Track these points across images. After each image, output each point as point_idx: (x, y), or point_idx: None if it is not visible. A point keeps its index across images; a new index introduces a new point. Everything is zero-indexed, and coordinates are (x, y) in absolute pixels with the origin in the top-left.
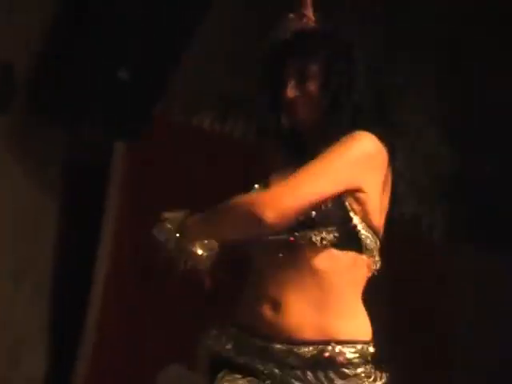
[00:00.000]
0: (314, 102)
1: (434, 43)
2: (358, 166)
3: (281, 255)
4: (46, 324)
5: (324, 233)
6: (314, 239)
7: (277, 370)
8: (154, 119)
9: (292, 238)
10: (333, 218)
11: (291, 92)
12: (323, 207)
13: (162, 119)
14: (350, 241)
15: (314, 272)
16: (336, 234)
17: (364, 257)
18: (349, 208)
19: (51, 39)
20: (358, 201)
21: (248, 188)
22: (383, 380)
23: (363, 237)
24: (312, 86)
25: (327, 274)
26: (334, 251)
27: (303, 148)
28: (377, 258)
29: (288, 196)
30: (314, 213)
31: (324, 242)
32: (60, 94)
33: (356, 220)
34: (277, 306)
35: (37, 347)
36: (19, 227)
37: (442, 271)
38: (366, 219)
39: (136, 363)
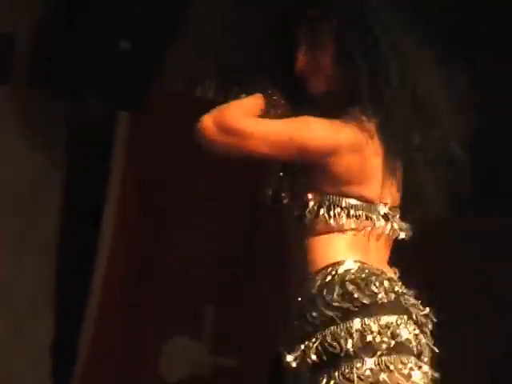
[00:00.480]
0: (326, 74)
1: (436, 33)
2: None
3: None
4: (51, 297)
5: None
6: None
7: None
8: (155, 89)
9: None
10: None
11: (301, 61)
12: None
13: (163, 89)
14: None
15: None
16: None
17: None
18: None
19: (52, 9)
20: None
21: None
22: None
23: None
24: (324, 55)
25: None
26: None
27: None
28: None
29: (231, 113)
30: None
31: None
32: (61, 65)
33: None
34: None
35: (41, 316)
36: (22, 201)
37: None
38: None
39: (139, 337)
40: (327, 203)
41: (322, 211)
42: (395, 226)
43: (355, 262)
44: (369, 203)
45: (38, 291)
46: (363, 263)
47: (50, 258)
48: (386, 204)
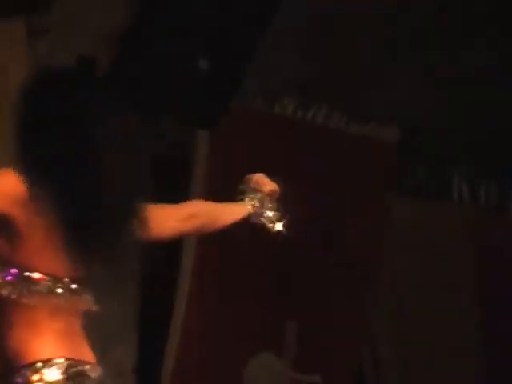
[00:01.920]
0: None
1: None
2: None
3: None
4: (135, 322)
5: None
6: None
7: None
8: (233, 107)
9: None
10: None
11: None
12: None
13: (242, 107)
14: None
15: None
16: None
17: None
18: None
19: (131, 29)
20: None
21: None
22: None
23: None
24: None
25: None
26: None
27: None
28: None
29: None
30: None
31: None
32: (141, 85)
33: None
34: None
35: (125, 341)
36: None
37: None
38: None
39: (222, 355)
40: None
41: None
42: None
43: None
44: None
45: (122, 316)
46: None
47: (134, 283)
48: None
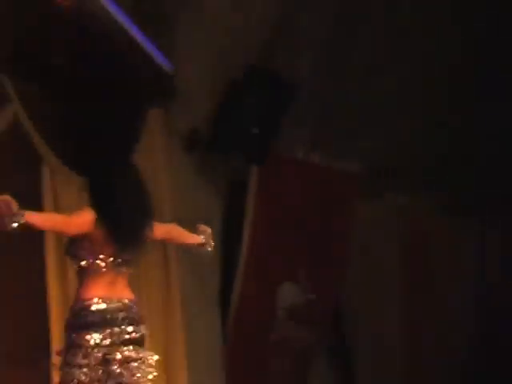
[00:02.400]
0: None
1: None
2: None
3: None
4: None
5: None
6: None
7: None
8: (274, 153)
9: None
10: None
11: None
12: None
13: (281, 154)
14: None
15: None
16: None
17: None
18: None
19: (221, 105)
20: None
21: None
22: None
23: None
24: None
25: None
26: None
27: None
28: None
29: None
30: None
31: None
32: (223, 139)
33: None
34: None
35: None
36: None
37: None
38: None
39: (268, 280)
40: None
41: None
42: None
43: None
44: None
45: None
46: None
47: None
48: None
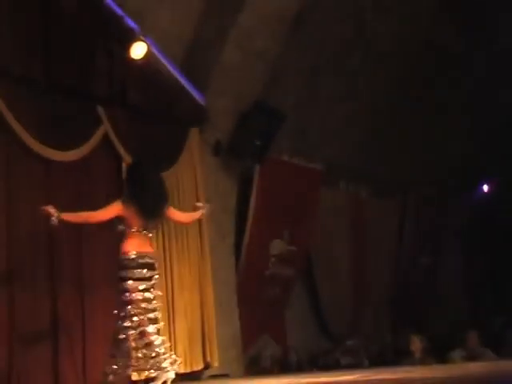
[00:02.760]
0: None
1: None
2: None
3: None
4: None
5: None
6: None
7: None
8: (270, 157)
9: None
10: None
11: None
12: None
13: (274, 157)
14: None
15: None
16: None
17: None
18: None
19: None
20: None
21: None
22: None
23: None
24: None
25: None
26: None
27: None
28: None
29: None
30: None
31: None
32: (238, 147)
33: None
34: None
35: None
36: (222, 202)
37: None
38: None
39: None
40: None
41: None
42: None
43: None
44: None
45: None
46: None
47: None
48: None
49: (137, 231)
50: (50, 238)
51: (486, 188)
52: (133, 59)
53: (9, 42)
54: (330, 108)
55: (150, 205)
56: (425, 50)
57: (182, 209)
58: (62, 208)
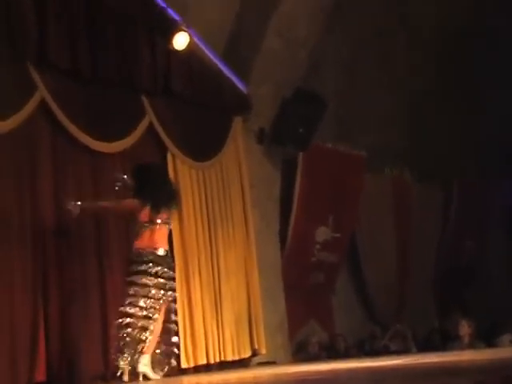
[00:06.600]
0: None
1: None
2: None
3: None
4: None
5: None
6: None
7: None
8: (313, 144)
9: None
10: None
11: None
12: None
13: (317, 144)
14: None
15: None
16: None
17: None
18: None
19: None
20: None
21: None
22: None
23: None
24: None
25: None
26: None
27: None
28: None
29: None
30: None
31: None
32: (281, 134)
33: None
34: None
35: None
36: (266, 190)
37: None
38: None
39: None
40: None
41: None
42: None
43: None
44: None
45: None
46: None
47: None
48: None
49: (153, 224)
50: (97, 227)
51: None
52: (176, 49)
53: (54, 34)
54: (371, 95)
55: (164, 199)
56: (465, 35)
57: (226, 197)
58: (106, 198)
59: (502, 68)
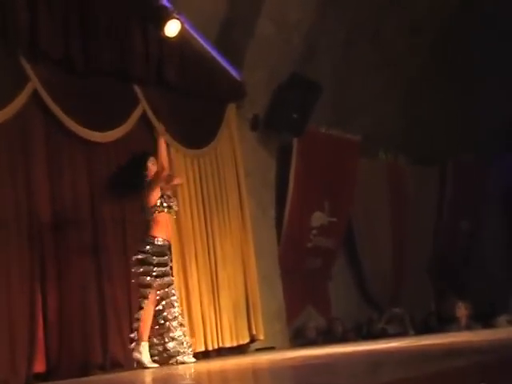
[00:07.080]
0: None
1: None
2: None
3: None
4: None
5: None
6: None
7: None
8: (308, 129)
9: None
10: None
11: None
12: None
13: (311, 129)
14: None
15: None
16: None
17: None
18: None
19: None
20: None
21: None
22: None
23: None
24: None
25: None
26: None
27: None
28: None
29: None
30: None
31: None
32: (275, 121)
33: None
34: None
35: None
36: (261, 176)
37: None
38: None
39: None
40: None
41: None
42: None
43: None
44: None
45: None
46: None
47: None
48: None
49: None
50: (92, 215)
51: None
52: (167, 37)
53: (46, 24)
54: (365, 78)
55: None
56: (460, 14)
57: (221, 184)
58: (101, 188)
59: (497, 47)
